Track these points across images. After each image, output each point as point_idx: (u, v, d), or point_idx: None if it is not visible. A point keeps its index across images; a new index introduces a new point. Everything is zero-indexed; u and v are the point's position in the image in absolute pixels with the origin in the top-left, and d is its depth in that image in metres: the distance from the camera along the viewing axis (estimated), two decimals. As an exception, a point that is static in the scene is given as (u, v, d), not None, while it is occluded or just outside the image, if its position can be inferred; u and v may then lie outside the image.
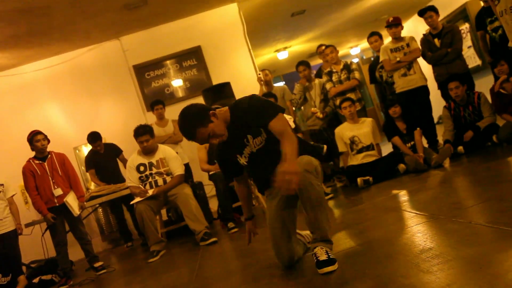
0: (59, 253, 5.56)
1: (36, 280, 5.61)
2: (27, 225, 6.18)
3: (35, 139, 5.43)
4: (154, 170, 5.57)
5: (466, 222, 2.83)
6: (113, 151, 7.01)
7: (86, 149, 7.67)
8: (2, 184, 5.55)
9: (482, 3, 6.63)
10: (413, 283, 2.07)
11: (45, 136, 5.53)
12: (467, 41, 9.89)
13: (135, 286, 4.25)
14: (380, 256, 2.72)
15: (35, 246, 6.44)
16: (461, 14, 9.96)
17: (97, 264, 5.52)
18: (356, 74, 6.65)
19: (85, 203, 5.77)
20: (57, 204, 5.45)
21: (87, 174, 7.34)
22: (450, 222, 2.96)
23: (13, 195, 5.69)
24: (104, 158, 6.92)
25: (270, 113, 2.81)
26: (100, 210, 7.51)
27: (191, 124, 2.80)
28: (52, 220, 5.35)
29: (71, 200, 5.48)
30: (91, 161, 7.01)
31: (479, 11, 6.47)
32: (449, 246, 2.47)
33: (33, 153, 5.54)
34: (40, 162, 5.49)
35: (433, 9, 6.47)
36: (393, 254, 2.64)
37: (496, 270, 1.97)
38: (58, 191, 5.47)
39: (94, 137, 6.75)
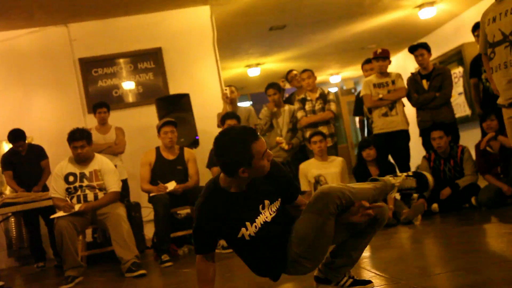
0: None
1: None
2: None
3: None
4: (86, 183, 5.43)
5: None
6: (37, 155, 6.83)
7: (7, 146, 7.53)
8: None
9: (478, 48, 6.93)
10: None
11: None
12: (458, 87, 10.27)
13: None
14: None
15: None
16: (456, 56, 10.36)
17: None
18: (332, 106, 6.77)
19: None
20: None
21: (3, 176, 7.21)
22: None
23: None
24: (25, 160, 6.75)
25: (298, 190, 2.77)
26: (12, 220, 7.33)
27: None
28: None
29: None
30: (8, 161, 6.86)
31: (475, 56, 6.69)
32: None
33: None
34: None
35: (425, 46, 6.69)
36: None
37: None
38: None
39: (16, 136, 6.57)
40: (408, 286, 3.09)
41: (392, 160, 6.85)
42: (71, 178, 5.46)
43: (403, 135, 6.58)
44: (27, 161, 6.75)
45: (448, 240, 4.77)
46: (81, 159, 5.49)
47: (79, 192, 5.42)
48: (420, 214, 5.80)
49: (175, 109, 6.95)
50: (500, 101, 4.22)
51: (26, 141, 6.76)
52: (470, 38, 7.95)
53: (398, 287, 3.16)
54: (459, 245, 4.31)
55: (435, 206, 6.02)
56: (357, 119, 8.16)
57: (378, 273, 3.58)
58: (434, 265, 3.91)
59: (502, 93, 4.18)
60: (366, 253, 4.52)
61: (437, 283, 3.18)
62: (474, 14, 8.65)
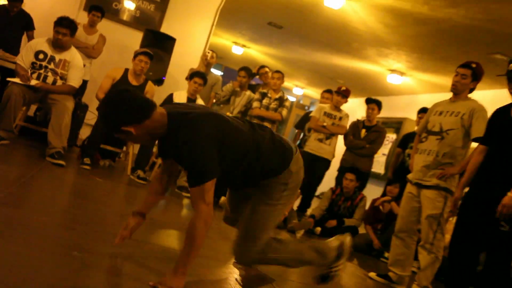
0: None
1: None
2: None
3: None
4: (51, 66, 5.33)
5: None
6: (25, 22, 6.50)
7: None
8: None
9: (415, 128, 7.13)
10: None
11: None
12: (385, 149, 10.59)
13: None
14: None
15: None
16: (396, 124, 10.68)
17: None
18: (284, 111, 6.82)
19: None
20: None
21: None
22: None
23: None
24: (11, 21, 6.41)
25: (195, 179, 2.35)
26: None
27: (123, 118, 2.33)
28: None
29: None
30: None
31: (408, 133, 6.99)
32: None
33: None
34: None
35: (378, 104, 6.83)
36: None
37: None
38: None
39: None
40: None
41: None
42: (41, 56, 5.33)
43: (325, 163, 6.71)
44: (12, 22, 6.41)
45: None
46: (58, 45, 5.35)
47: (42, 71, 5.30)
48: (304, 229, 5.95)
49: (158, 46, 6.84)
50: (410, 176, 4.37)
51: (18, 7, 6.43)
52: (413, 116, 8.18)
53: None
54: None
55: (318, 229, 6.17)
56: (296, 131, 8.23)
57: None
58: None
59: (414, 172, 4.35)
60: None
61: None
62: (427, 100, 8.87)
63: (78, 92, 5.93)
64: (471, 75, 4.22)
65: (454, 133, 4.16)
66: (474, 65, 4.25)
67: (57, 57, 5.37)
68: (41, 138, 5.62)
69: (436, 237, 4.06)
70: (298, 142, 7.56)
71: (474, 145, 4.00)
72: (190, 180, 2.38)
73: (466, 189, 3.77)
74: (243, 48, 12.13)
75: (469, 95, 4.31)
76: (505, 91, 3.61)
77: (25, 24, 6.44)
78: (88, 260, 2.43)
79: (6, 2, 6.72)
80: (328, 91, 7.44)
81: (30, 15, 6.56)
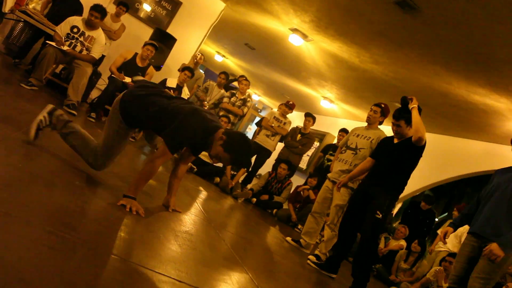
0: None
1: None
2: None
3: None
4: (81, 39, 5.17)
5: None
6: (77, 7, 6.06)
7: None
8: None
9: (335, 140, 7.27)
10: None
11: None
12: (310, 152, 10.74)
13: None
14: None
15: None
16: (320, 136, 10.79)
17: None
18: (245, 109, 6.81)
19: (16, 10, 5.17)
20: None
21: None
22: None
23: None
24: (67, 3, 6.02)
25: (168, 142, 2.45)
26: (21, 24, 6.68)
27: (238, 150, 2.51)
28: None
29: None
30: None
31: (328, 144, 7.25)
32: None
33: None
34: None
35: (314, 118, 6.94)
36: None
37: None
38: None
39: None
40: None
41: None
42: (75, 30, 5.18)
43: (268, 152, 6.73)
44: (67, 3, 6.00)
45: (245, 216, 4.84)
46: (90, 24, 5.23)
47: (73, 41, 5.18)
48: (244, 197, 5.96)
49: (162, 41, 6.66)
50: (329, 175, 4.47)
51: None
52: (333, 132, 8.33)
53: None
54: (249, 224, 4.41)
55: (254, 199, 6.20)
56: (255, 127, 8.23)
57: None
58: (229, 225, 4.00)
59: (332, 173, 4.45)
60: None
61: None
62: (345, 123, 9.06)
63: (97, 63, 5.73)
64: (380, 112, 4.35)
65: (364, 151, 4.28)
66: (383, 105, 4.40)
67: (87, 33, 5.20)
68: (62, 91, 5.40)
69: (339, 220, 4.16)
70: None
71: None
72: (164, 132, 2.47)
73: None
74: (223, 58, 11.99)
75: (379, 126, 4.43)
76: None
77: (76, 9, 6.00)
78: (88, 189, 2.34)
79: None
80: (282, 104, 7.45)
81: (82, 4, 6.16)
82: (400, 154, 3.54)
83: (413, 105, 3.50)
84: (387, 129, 4.52)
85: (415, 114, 3.44)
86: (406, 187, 3.63)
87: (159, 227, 2.40)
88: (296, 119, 11.92)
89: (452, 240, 6.10)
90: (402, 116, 3.60)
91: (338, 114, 11.11)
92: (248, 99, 6.89)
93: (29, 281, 1.21)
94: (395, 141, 3.68)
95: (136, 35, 7.13)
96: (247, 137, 2.63)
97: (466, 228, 6.10)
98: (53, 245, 1.49)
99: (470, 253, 3.08)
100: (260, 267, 2.89)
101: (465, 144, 7.72)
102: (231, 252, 2.73)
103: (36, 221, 1.60)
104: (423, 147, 3.48)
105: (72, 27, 5.13)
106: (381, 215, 3.49)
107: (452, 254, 5.04)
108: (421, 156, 3.52)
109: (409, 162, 3.53)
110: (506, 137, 6.75)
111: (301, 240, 4.47)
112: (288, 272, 3.18)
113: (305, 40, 7.10)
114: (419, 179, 7.40)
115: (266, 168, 7.09)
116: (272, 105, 15.08)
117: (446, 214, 11.52)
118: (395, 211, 7.65)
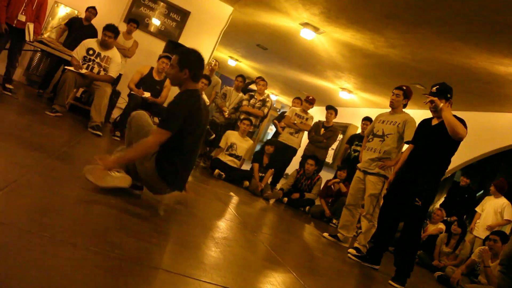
0: (-14, 57, 5.07)
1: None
2: None
3: None
4: (98, 60, 5.23)
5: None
6: (92, 32, 6.23)
7: (64, 9, 7.03)
8: None
9: (359, 130, 7.17)
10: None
11: None
12: (334, 145, 10.63)
13: (21, 119, 3.97)
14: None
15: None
16: (343, 128, 10.64)
17: (8, 85, 5.01)
18: (265, 110, 6.79)
19: (34, 41, 5.31)
20: (14, 25, 4.97)
21: (51, 22, 6.73)
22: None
23: None
24: (82, 29, 6.21)
25: (160, 122, 2.53)
26: (39, 54, 6.86)
27: (189, 61, 2.64)
28: (3, 30, 4.86)
29: (31, 29, 5.04)
30: (71, 21, 6.42)
31: (354, 134, 7.05)
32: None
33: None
34: (24, -10, 5.01)
35: (336, 110, 6.86)
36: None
37: None
38: (22, 17, 4.99)
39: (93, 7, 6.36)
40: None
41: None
42: (91, 52, 5.25)
43: (293, 151, 6.70)
44: (83, 30, 6.22)
45: (278, 216, 4.84)
46: (104, 45, 5.28)
47: (90, 63, 5.23)
48: (275, 198, 5.93)
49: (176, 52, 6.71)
50: (359, 165, 4.38)
51: (93, 16, 6.40)
52: (356, 123, 8.23)
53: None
54: (284, 224, 4.41)
55: (285, 199, 6.16)
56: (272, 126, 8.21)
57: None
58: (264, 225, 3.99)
59: (362, 162, 4.36)
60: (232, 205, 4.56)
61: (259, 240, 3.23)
62: (366, 113, 8.91)
63: (115, 82, 5.81)
64: (403, 94, 4.25)
65: (392, 137, 4.19)
66: (404, 87, 4.30)
67: (102, 53, 5.26)
68: (85, 114, 5.47)
69: (375, 210, 4.08)
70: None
71: (406, 146, 4.06)
72: (160, 123, 2.52)
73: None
74: (236, 62, 12.00)
75: (404, 110, 4.34)
76: (423, 111, 3.67)
77: (91, 34, 6.15)
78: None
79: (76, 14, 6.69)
80: (298, 98, 7.43)
81: (96, 29, 6.31)
82: (439, 137, 3.44)
83: (442, 107, 3.38)
84: (412, 113, 4.43)
85: (446, 115, 3.34)
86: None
87: (197, 235, 2.40)
88: (316, 114, 11.82)
89: (492, 216, 5.94)
90: (439, 95, 3.48)
91: (358, 104, 10.98)
92: (267, 99, 6.86)
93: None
94: (434, 122, 3.58)
95: (149, 50, 7.20)
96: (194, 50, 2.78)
97: (504, 202, 5.95)
98: (100, 263, 1.50)
99: None
100: (302, 265, 2.87)
101: (494, 117, 7.52)
102: (271, 253, 2.71)
103: (80, 242, 1.62)
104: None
105: (88, 50, 5.21)
106: (420, 202, 3.41)
107: (496, 232, 4.89)
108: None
109: (448, 144, 3.41)
110: (537, 106, 6.55)
111: (338, 234, 4.41)
112: (331, 267, 3.15)
113: (317, 33, 7.04)
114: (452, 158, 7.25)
115: (293, 166, 7.04)
116: (291, 103, 15.03)
117: (483, 191, 11.24)
118: (440, 200, 7.47)
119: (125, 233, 1.98)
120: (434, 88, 3.56)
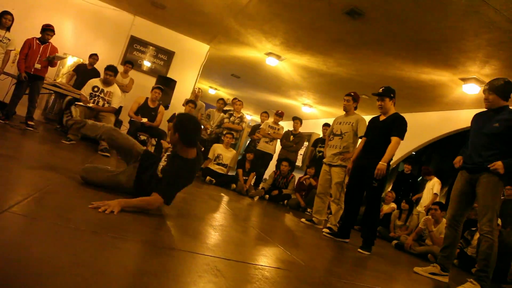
0: (12, 100, 4.95)
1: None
2: (4, 73, 5.26)
3: (47, 32, 4.99)
4: (102, 95, 5.14)
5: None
6: (95, 75, 6.14)
7: (72, 59, 6.96)
8: (9, 39, 4.84)
9: (321, 135, 7.22)
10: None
11: (54, 33, 5.09)
12: (301, 151, 10.71)
13: (43, 147, 3.87)
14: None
15: (0, 90, 5.65)
16: (307, 136, 10.74)
17: (30, 122, 4.90)
18: (243, 124, 6.77)
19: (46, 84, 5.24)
20: (32, 72, 4.93)
21: (62, 70, 6.68)
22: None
23: (12, 50, 4.93)
24: (87, 72, 6.19)
25: (161, 188, 2.19)
26: (53, 96, 6.74)
27: (180, 126, 2.25)
28: (23, 78, 4.81)
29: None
30: (77, 68, 6.41)
31: (317, 138, 7.07)
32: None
33: (39, 35, 5.03)
34: (39, 43, 4.97)
35: (300, 120, 6.92)
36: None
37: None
38: (38, 66, 4.97)
39: (95, 54, 6.40)
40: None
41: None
42: (95, 89, 5.15)
43: (270, 156, 6.69)
44: (87, 73, 6.19)
45: (262, 209, 4.80)
46: (106, 82, 5.19)
47: (96, 98, 5.11)
48: (258, 196, 5.89)
49: (165, 85, 6.67)
50: (325, 160, 4.40)
51: (96, 61, 6.43)
52: (318, 131, 8.29)
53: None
54: (268, 214, 4.36)
55: (267, 196, 6.14)
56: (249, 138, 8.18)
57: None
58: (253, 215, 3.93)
59: (326, 158, 4.39)
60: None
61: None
62: (326, 121, 9.06)
63: (117, 113, 5.71)
64: (352, 99, 4.34)
65: (348, 134, 4.25)
66: (352, 93, 4.39)
67: (105, 89, 5.17)
68: (94, 141, 5.34)
69: (341, 195, 4.11)
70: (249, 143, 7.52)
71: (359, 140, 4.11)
72: (161, 190, 2.17)
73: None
74: (215, 90, 12.04)
75: (355, 112, 4.41)
76: (369, 116, 3.76)
77: (95, 75, 6.02)
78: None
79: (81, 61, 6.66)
80: (265, 112, 7.36)
81: (99, 71, 6.25)
82: (386, 129, 3.51)
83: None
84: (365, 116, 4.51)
85: (387, 155, 3.44)
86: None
87: (198, 225, 2.36)
88: (285, 126, 11.92)
89: (428, 194, 6.09)
90: (384, 94, 3.57)
91: (318, 116, 11.13)
92: (243, 116, 6.88)
93: (108, 273, 1.18)
94: (381, 118, 3.65)
95: (143, 85, 7.15)
96: (193, 117, 2.38)
97: (435, 180, 6.09)
98: (119, 245, 1.46)
99: (463, 188, 2.91)
100: (287, 242, 2.85)
101: (423, 116, 7.76)
102: (261, 235, 2.69)
103: (101, 231, 1.57)
104: (406, 123, 3.48)
105: (93, 87, 5.13)
106: (376, 184, 3.45)
107: (435, 203, 4.99)
108: (406, 129, 3.50)
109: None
110: (453, 104, 6.78)
111: (313, 218, 4.42)
112: (310, 243, 3.14)
113: (280, 60, 7.14)
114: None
115: (270, 169, 7.03)
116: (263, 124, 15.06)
117: (421, 177, 11.48)
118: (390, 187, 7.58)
119: (138, 224, 1.94)
120: (381, 89, 3.66)
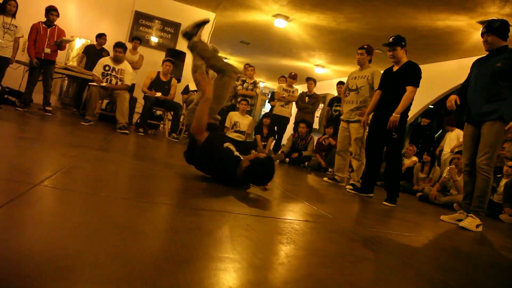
0: (28, 88, 5.01)
1: (5, 96, 5.13)
2: (17, 61, 5.32)
3: (51, 12, 4.93)
4: (114, 73, 5.16)
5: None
6: (106, 54, 6.14)
7: (79, 42, 6.94)
8: (16, 26, 4.80)
9: (335, 94, 7.10)
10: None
11: (58, 14, 5.02)
12: (318, 112, 10.58)
13: (63, 129, 3.94)
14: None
15: (14, 79, 5.70)
16: (322, 98, 10.57)
17: (48, 108, 4.99)
18: (257, 90, 6.72)
19: (57, 67, 5.26)
20: (42, 57, 4.95)
21: (71, 53, 6.69)
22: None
23: (20, 37, 4.90)
24: (96, 53, 6.17)
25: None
26: (66, 79, 6.80)
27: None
28: (35, 64, 4.84)
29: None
30: (87, 49, 6.39)
31: (332, 97, 6.93)
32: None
33: (44, 19, 5.00)
34: (46, 27, 4.94)
35: (314, 80, 6.82)
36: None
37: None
38: (47, 50, 4.96)
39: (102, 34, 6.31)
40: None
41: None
42: (107, 68, 5.17)
43: (286, 119, 6.68)
44: (97, 53, 6.19)
45: (284, 171, 4.81)
46: (117, 60, 5.19)
47: (108, 77, 5.15)
48: (279, 160, 5.93)
49: (175, 57, 6.61)
50: (342, 117, 4.36)
51: (105, 42, 6.39)
52: (332, 92, 8.15)
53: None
54: (290, 176, 4.37)
55: (287, 159, 6.17)
56: (268, 105, 8.10)
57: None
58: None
59: (344, 114, 4.33)
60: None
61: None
62: (340, 78, 8.87)
63: (130, 89, 5.73)
64: (366, 51, 4.21)
65: (364, 88, 4.16)
66: (366, 46, 4.25)
67: (117, 67, 5.18)
68: (112, 120, 5.46)
69: (361, 151, 4.08)
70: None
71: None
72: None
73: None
74: (225, 59, 11.85)
75: (370, 65, 4.29)
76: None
77: (104, 55, 6.03)
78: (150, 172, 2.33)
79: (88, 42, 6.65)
80: (283, 76, 7.31)
81: (108, 50, 6.25)
82: (400, 80, 3.42)
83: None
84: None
85: (400, 107, 3.37)
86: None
87: (223, 187, 2.39)
88: (299, 89, 11.79)
89: (455, 142, 5.98)
90: (395, 43, 3.46)
91: (332, 76, 10.90)
92: (257, 82, 6.80)
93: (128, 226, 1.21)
94: (394, 69, 3.55)
95: (153, 60, 7.10)
96: (265, 163, 2.30)
97: (459, 132, 5.98)
98: (148, 208, 1.49)
99: (473, 133, 2.93)
100: (312, 198, 2.87)
101: (440, 67, 7.48)
102: (286, 193, 2.72)
103: (130, 196, 1.61)
104: (420, 70, 3.37)
105: (104, 66, 5.14)
106: (396, 135, 3.40)
107: (458, 152, 4.91)
108: (420, 77, 3.39)
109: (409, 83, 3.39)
110: (472, 50, 6.49)
111: (335, 177, 4.42)
112: (335, 198, 3.16)
113: (288, 21, 6.94)
114: (412, 106, 7.26)
115: (288, 133, 7.01)
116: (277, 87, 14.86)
117: (441, 131, 11.26)
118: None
119: (164, 191, 1.97)
120: (391, 38, 3.53)
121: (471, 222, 2.78)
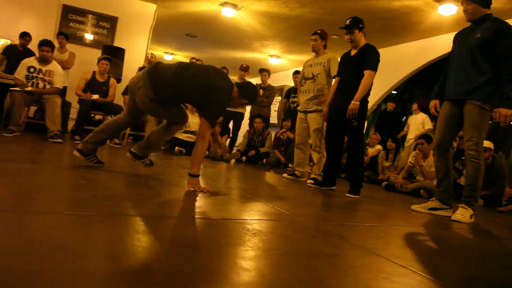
0: None
1: None
2: None
3: None
4: (40, 75, 4.86)
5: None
6: (29, 55, 5.60)
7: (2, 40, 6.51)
8: None
9: (292, 85, 7.16)
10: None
11: None
12: (275, 107, 10.66)
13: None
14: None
15: None
16: (279, 91, 10.68)
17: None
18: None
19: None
20: None
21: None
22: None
23: None
24: (19, 54, 5.70)
25: (209, 118, 2.53)
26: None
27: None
28: None
29: None
30: (6, 50, 5.99)
31: (289, 88, 7.04)
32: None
33: None
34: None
35: (268, 71, 6.85)
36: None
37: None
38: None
39: (26, 33, 5.94)
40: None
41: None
42: (32, 69, 4.86)
43: (240, 115, 6.65)
44: (20, 54, 5.70)
45: (241, 171, 4.78)
46: (43, 60, 4.90)
47: (34, 80, 4.84)
48: (234, 158, 5.89)
49: (112, 55, 6.36)
50: (299, 108, 4.39)
51: (28, 42, 6.03)
52: (289, 83, 8.24)
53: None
54: (248, 175, 4.34)
55: (243, 158, 6.14)
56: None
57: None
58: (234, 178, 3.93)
59: (301, 104, 4.37)
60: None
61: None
62: (297, 68, 8.99)
63: (62, 93, 5.44)
64: (319, 37, 4.27)
65: (321, 76, 4.21)
66: (319, 31, 4.32)
67: (44, 68, 4.89)
68: (42, 129, 5.10)
69: (321, 142, 4.11)
70: None
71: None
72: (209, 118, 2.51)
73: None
74: (172, 55, 11.65)
75: (325, 51, 4.35)
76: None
77: (29, 56, 5.56)
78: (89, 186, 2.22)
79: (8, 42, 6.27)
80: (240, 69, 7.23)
81: (32, 51, 5.88)
82: (358, 64, 3.48)
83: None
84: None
85: (359, 93, 3.42)
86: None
87: (175, 191, 2.31)
88: (253, 83, 11.83)
89: (415, 129, 6.26)
90: (352, 26, 3.50)
91: (288, 66, 11.03)
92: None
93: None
94: (352, 53, 3.60)
95: (87, 60, 6.79)
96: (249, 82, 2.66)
97: (423, 116, 6.26)
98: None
99: (451, 112, 2.86)
100: (271, 196, 2.86)
101: (399, 49, 7.80)
102: (244, 194, 2.68)
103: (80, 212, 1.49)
104: (378, 53, 3.44)
105: (29, 68, 4.83)
106: (356, 122, 3.46)
107: (421, 136, 5.12)
108: (379, 60, 3.46)
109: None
110: (430, 30, 6.81)
111: (296, 172, 4.44)
112: (296, 195, 3.17)
113: (236, 9, 6.93)
114: (373, 92, 7.51)
115: (243, 129, 6.99)
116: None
117: (405, 117, 11.78)
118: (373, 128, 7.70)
119: (99, 200, 1.87)
120: (348, 21, 3.59)
121: (464, 214, 2.73)
